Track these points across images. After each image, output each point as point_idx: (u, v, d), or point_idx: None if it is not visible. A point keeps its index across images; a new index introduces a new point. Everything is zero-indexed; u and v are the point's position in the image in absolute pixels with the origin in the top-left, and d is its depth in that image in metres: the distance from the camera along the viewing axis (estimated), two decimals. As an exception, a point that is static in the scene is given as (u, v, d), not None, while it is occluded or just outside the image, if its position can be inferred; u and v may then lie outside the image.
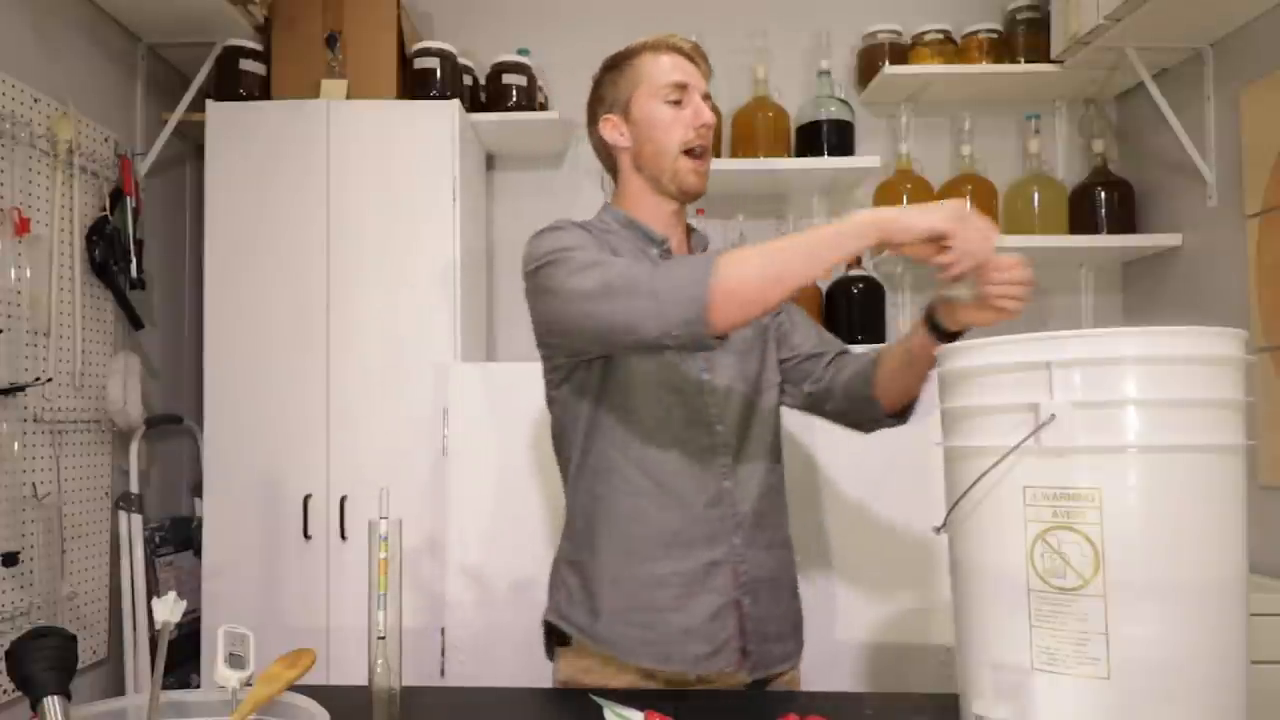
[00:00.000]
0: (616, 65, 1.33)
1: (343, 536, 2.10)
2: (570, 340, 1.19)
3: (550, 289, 1.16)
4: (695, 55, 1.32)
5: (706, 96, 1.31)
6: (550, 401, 1.34)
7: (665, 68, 1.28)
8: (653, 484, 1.24)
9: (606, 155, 1.36)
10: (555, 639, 1.30)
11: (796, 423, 1.93)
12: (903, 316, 2.51)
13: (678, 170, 1.28)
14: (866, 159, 2.32)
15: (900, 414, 1.30)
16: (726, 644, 1.23)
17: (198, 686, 2.13)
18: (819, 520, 1.93)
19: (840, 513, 1.93)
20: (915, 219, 1.01)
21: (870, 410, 1.29)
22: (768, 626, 1.27)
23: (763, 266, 1.04)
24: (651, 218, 1.32)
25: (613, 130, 1.32)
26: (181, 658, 2.15)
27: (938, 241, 1.01)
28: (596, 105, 1.36)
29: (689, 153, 1.27)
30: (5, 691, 1.73)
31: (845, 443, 1.94)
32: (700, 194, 1.31)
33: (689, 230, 1.38)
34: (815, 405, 1.36)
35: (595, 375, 1.26)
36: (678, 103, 1.28)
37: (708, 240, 1.41)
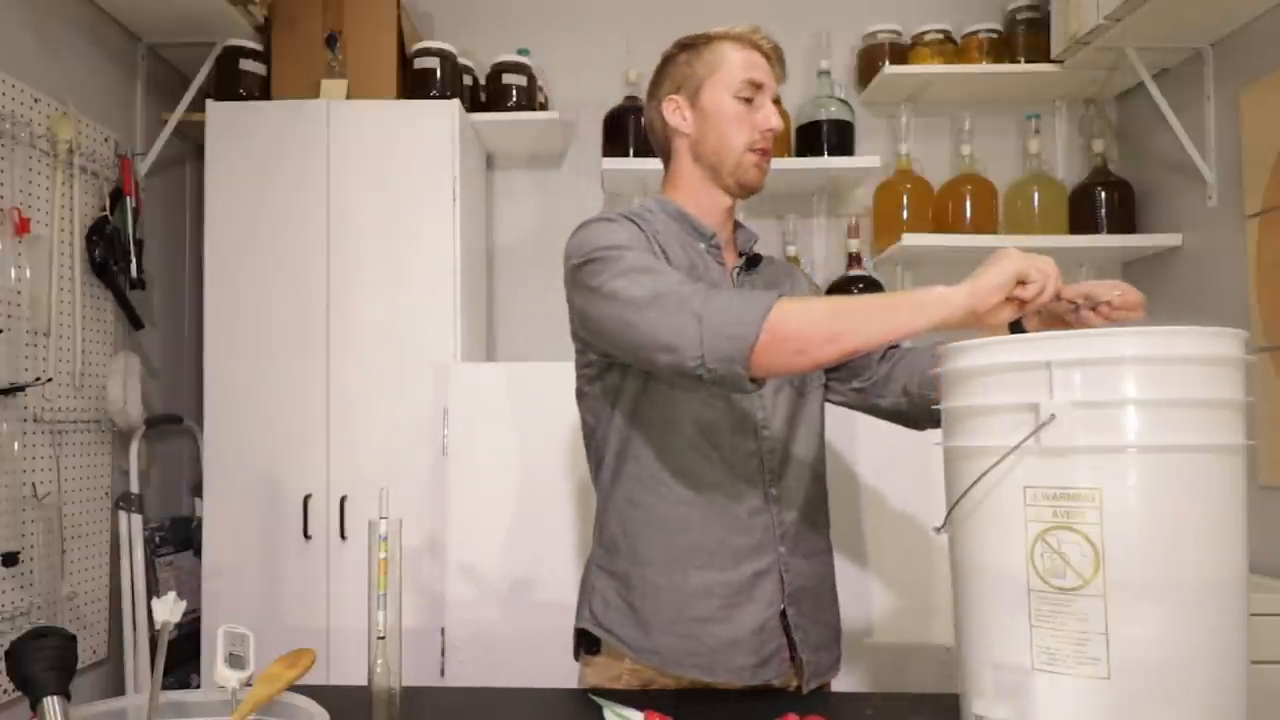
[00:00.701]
0: (693, 46, 1.27)
1: (343, 536, 2.10)
2: (604, 344, 1.15)
3: (594, 287, 1.11)
4: (774, 58, 1.27)
5: (777, 101, 1.27)
6: (580, 395, 1.29)
7: (744, 63, 1.23)
8: (695, 492, 1.20)
9: (662, 136, 1.30)
10: (585, 645, 1.27)
11: (796, 423, 1.93)
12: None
13: (740, 163, 1.23)
14: (866, 159, 2.32)
15: None
16: (775, 655, 1.20)
17: (198, 686, 2.13)
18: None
19: (840, 513, 1.92)
20: (995, 276, 0.96)
21: (931, 409, 1.23)
22: (814, 636, 1.24)
23: (822, 320, 0.98)
24: (703, 210, 1.27)
25: (675, 112, 1.26)
26: (181, 658, 2.15)
27: (1014, 290, 0.97)
28: (663, 82, 1.29)
29: (752, 150, 1.24)
30: (5, 691, 1.73)
31: (844, 443, 1.94)
32: (758, 190, 1.27)
33: (736, 226, 1.33)
34: (865, 402, 1.33)
35: (635, 379, 1.21)
36: (749, 100, 1.23)
37: (756, 238, 1.35)
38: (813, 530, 1.27)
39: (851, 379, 1.33)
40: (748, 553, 1.20)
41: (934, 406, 1.07)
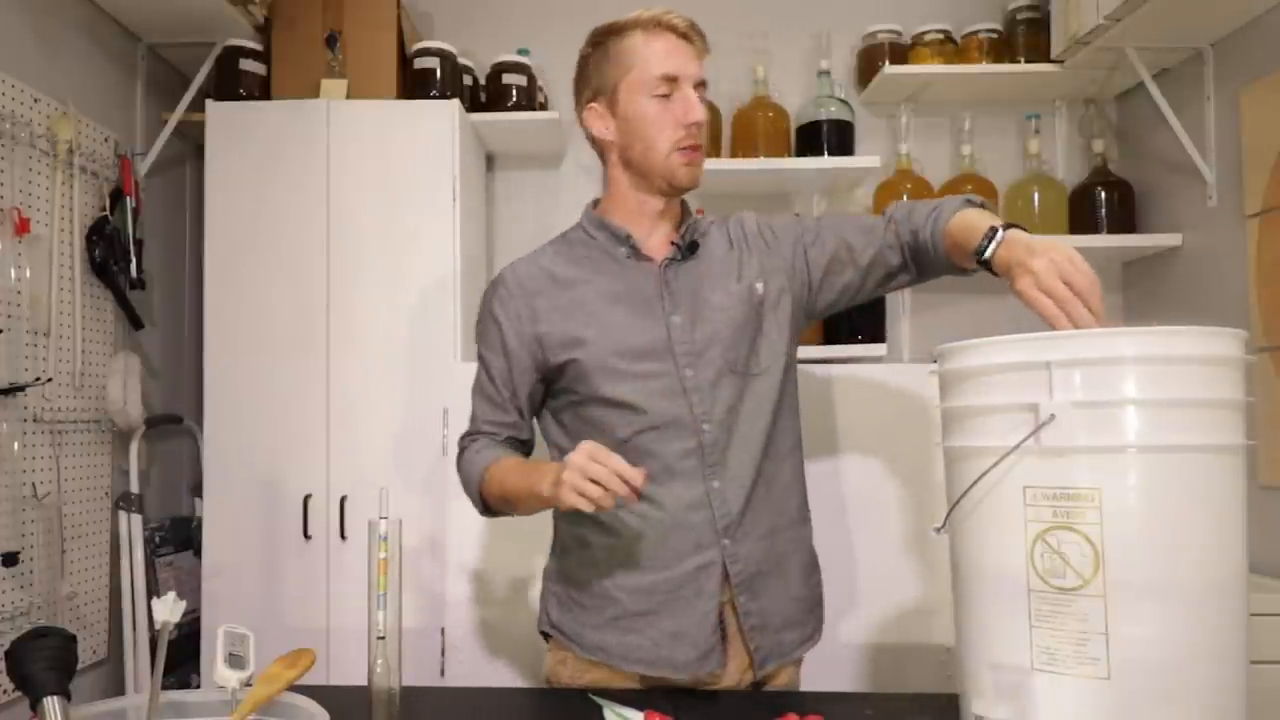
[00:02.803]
0: (603, 43, 1.23)
1: (343, 536, 2.09)
2: None
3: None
4: (691, 34, 1.21)
5: (701, 84, 1.22)
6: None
7: (656, 54, 1.19)
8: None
9: (591, 142, 1.30)
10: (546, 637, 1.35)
11: (796, 423, 1.93)
12: (904, 314, 2.51)
13: (669, 165, 1.21)
14: (866, 159, 2.32)
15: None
16: (714, 648, 1.21)
17: (198, 686, 2.13)
18: (818, 521, 1.93)
19: (840, 512, 1.93)
20: (562, 496, 1.05)
21: (926, 254, 1.22)
22: (773, 618, 1.24)
23: (502, 494, 1.22)
24: (631, 215, 1.26)
25: (598, 121, 1.26)
26: (181, 658, 2.15)
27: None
28: (582, 87, 1.27)
29: (678, 150, 1.21)
30: (5, 691, 1.73)
31: (845, 442, 1.94)
32: (693, 188, 1.25)
33: (684, 215, 1.31)
34: (876, 282, 1.29)
35: (566, 396, 1.26)
36: (667, 95, 1.20)
37: (699, 227, 1.29)
38: (769, 509, 1.25)
39: (853, 295, 1.30)
40: (689, 549, 1.20)
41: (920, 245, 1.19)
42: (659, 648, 1.20)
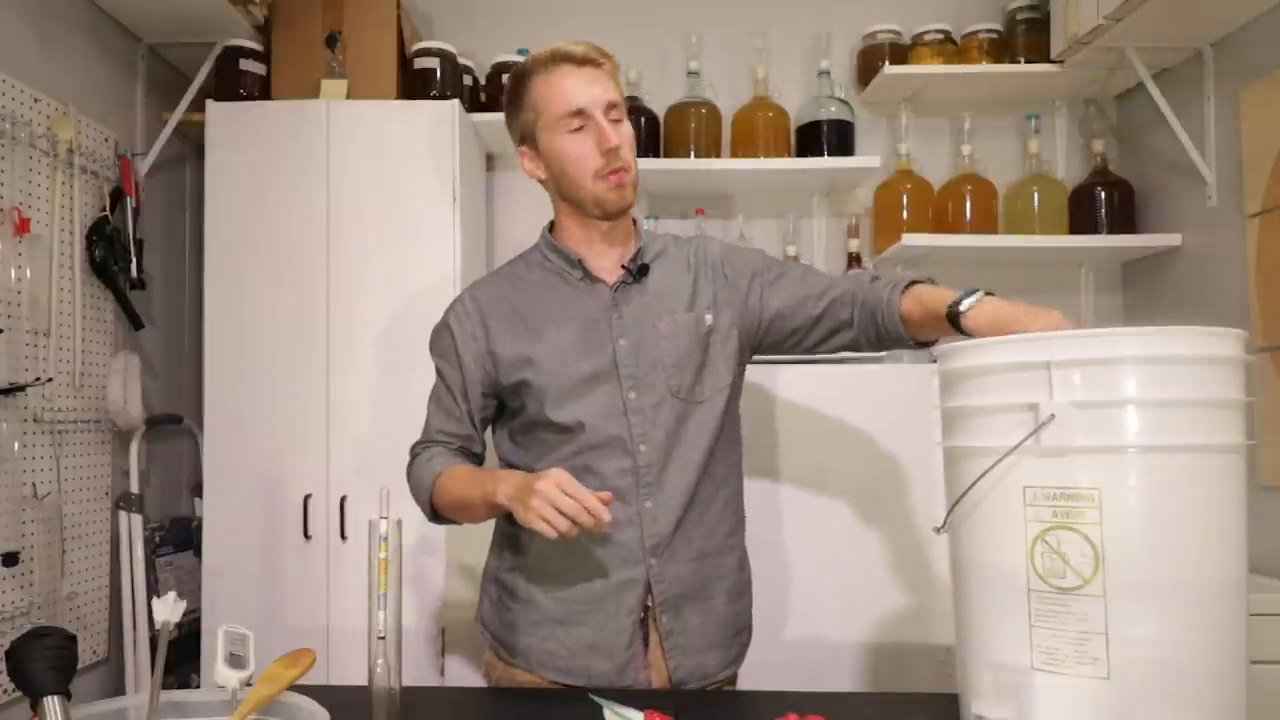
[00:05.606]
0: (515, 93, 1.29)
1: (343, 536, 2.09)
2: None
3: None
4: (590, 58, 1.24)
5: (612, 106, 1.25)
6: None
7: (558, 92, 1.23)
8: None
9: (534, 179, 1.34)
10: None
11: (798, 424, 1.93)
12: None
13: (595, 193, 1.25)
14: (866, 159, 2.32)
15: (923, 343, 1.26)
16: (630, 662, 1.23)
17: (198, 686, 2.13)
18: (819, 521, 1.93)
19: (840, 513, 1.93)
20: (530, 520, 1.08)
21: (884, 329, 1.25)
22: (694, 639, 1.26)
23: (452, 501, 1.26)
24: (579, 240, 1.31)
25: (529, 164, 1.31)
26: (181, 658, 2.15)
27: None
28: (512, 134, 1.33)
29: (601, 177, 1.24)
30: (5, 691, 1.73)
31: (845, 442, 1.94)
32: (625, 208, 1.28)
33: (637, 231, 1.34)
34: (819, 342, 1.32)
35: (511, 409, 1.31)
36: (581, 128, 1.23)
37: (651, 249, 1.33)
38: (699, 533, 1.27)
39: (838, 331, 1.31)
40: (616, 564, 1.23)
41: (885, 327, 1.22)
42: (575, 657, 1.24)
